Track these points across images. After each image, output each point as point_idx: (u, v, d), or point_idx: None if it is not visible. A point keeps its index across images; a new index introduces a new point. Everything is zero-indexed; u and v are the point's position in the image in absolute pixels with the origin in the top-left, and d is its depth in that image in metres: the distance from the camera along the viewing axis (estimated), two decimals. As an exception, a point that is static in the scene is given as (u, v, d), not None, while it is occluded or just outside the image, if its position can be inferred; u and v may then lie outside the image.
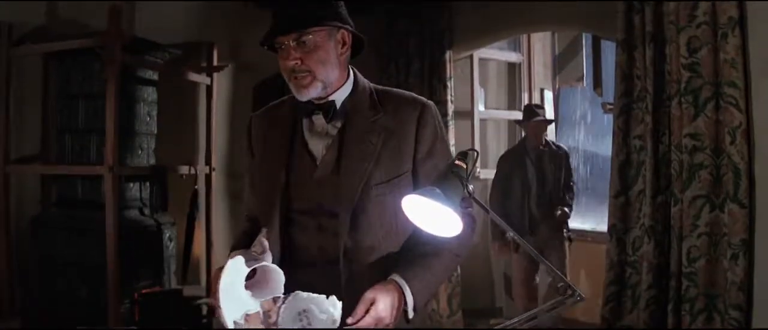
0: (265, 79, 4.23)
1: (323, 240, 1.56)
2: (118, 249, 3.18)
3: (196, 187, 3.97)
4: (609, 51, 4.91)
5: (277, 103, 1.71)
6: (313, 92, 1.53)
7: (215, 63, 4.15)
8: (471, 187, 1.45)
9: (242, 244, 1.58)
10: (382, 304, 1.41)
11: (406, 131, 1.57)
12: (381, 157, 1.55)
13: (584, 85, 5.67)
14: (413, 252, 1.56)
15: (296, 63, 1.50)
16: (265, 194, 1.61)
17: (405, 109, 1.59)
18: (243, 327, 1.39)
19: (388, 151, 1.56)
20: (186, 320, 3.43)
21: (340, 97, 1.59)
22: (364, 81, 1.65)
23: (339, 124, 1.58)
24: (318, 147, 1.59)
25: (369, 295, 1.42)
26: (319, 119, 1.58)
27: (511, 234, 1.52)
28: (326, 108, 1.57)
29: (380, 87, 1.65)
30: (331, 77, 1.55)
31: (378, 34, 4.67)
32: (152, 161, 3.69)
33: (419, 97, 1.63)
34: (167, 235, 3.68)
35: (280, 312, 1.40)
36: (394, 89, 1.67)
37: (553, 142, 4.51)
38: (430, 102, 1.64)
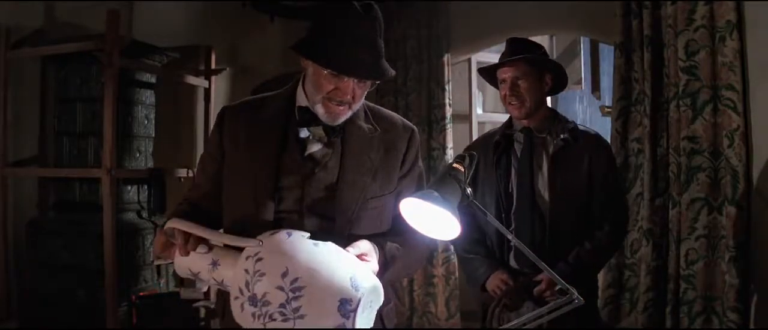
0: (262, 82, 4.23)
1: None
2: (116, 251, 3.18)
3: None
4: (607, 54, 4.92)
5: (256, 100, 1.70)
6: (343, 119, 1.57)
7: (213, 66, 4.16)
8: (469, 190, 1.45)
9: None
10: (372, 259, 1.48)
11: (397, 150, 1.66)
12: (378, 172, 1.61)
13: (582, 88, 5.68)
14: (396, 238, 1.61)
15: (350, 97, 1.52)
16: (254, 194, 1.56)
17: (397, 130, 1.68)
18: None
19: (383, 167, 1.62)
20: (183, 323, 3.43)
21: None
22: None
23: (338, 134, 1.60)
24: (317, 154, 1.59)
25: (364, 245, 1.48)
26: (318, 130, 1.58)
27: (509, 237, 1.52)
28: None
29: (370, 104, 1.70)
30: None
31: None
32: (150, 164, 3.69)
33: (406, 120, 1.73)
34: (165, 238, 3.68)
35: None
36: (383, 109, 1.73)
37: (572, 124, 2.39)
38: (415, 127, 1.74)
